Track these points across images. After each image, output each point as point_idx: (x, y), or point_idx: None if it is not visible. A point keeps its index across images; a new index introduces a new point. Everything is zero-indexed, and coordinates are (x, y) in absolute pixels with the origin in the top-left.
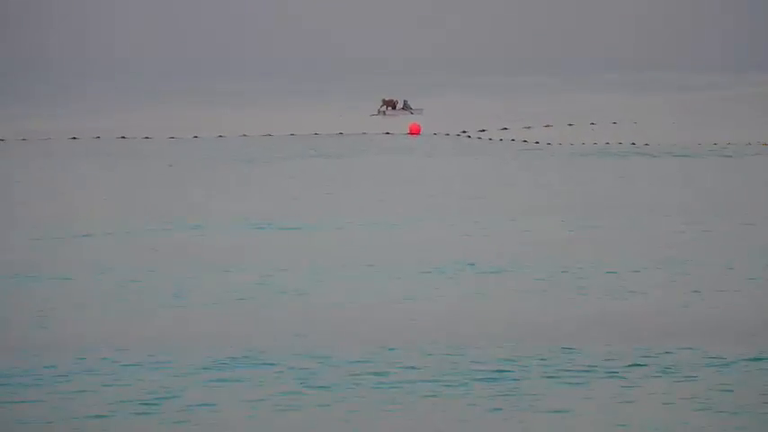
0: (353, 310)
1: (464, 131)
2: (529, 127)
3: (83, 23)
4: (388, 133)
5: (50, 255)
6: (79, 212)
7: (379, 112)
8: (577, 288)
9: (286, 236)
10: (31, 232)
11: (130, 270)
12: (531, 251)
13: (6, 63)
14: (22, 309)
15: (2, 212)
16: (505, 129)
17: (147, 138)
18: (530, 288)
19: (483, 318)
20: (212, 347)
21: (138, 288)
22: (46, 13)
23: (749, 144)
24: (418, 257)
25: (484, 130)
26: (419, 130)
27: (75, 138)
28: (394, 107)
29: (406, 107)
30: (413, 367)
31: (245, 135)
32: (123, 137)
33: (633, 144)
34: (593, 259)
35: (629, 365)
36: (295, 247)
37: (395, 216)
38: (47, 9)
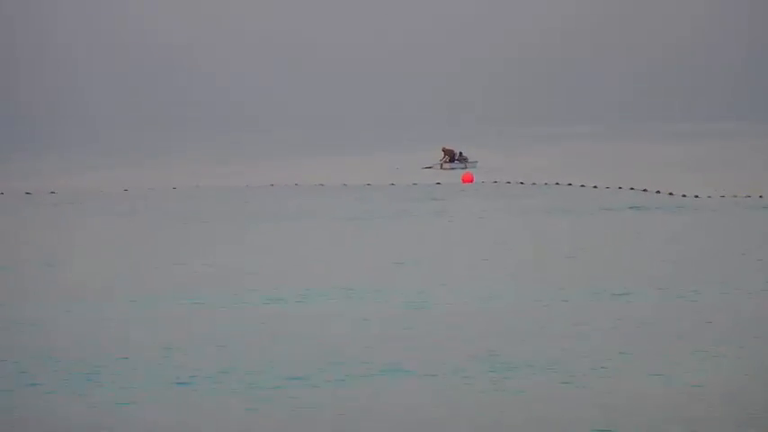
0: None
1: (521, 182)
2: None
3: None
4: (438, 183)
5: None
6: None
7: (435, 165)
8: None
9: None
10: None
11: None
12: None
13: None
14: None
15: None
16: (557, 183)
17: (197, 186)
18: None
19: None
20: None
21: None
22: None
23: None
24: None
25: (546, 183)
26: (472, 179)
27: (126, 190)
28: (452, 158)
29: (461, 159)
30: None
31: (297, 184)
32: (174, 188)
33: (697, 197)
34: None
35: None
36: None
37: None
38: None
